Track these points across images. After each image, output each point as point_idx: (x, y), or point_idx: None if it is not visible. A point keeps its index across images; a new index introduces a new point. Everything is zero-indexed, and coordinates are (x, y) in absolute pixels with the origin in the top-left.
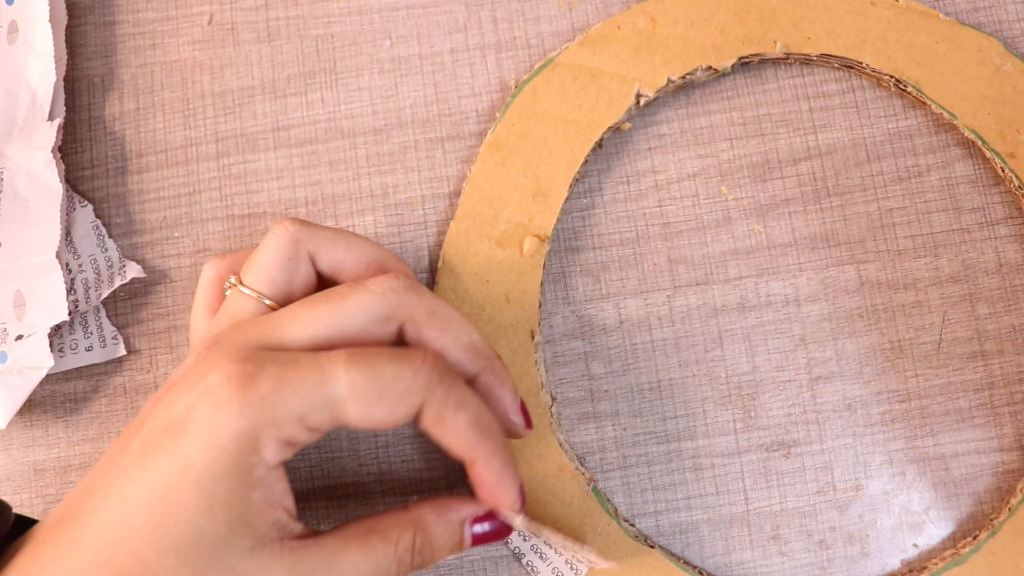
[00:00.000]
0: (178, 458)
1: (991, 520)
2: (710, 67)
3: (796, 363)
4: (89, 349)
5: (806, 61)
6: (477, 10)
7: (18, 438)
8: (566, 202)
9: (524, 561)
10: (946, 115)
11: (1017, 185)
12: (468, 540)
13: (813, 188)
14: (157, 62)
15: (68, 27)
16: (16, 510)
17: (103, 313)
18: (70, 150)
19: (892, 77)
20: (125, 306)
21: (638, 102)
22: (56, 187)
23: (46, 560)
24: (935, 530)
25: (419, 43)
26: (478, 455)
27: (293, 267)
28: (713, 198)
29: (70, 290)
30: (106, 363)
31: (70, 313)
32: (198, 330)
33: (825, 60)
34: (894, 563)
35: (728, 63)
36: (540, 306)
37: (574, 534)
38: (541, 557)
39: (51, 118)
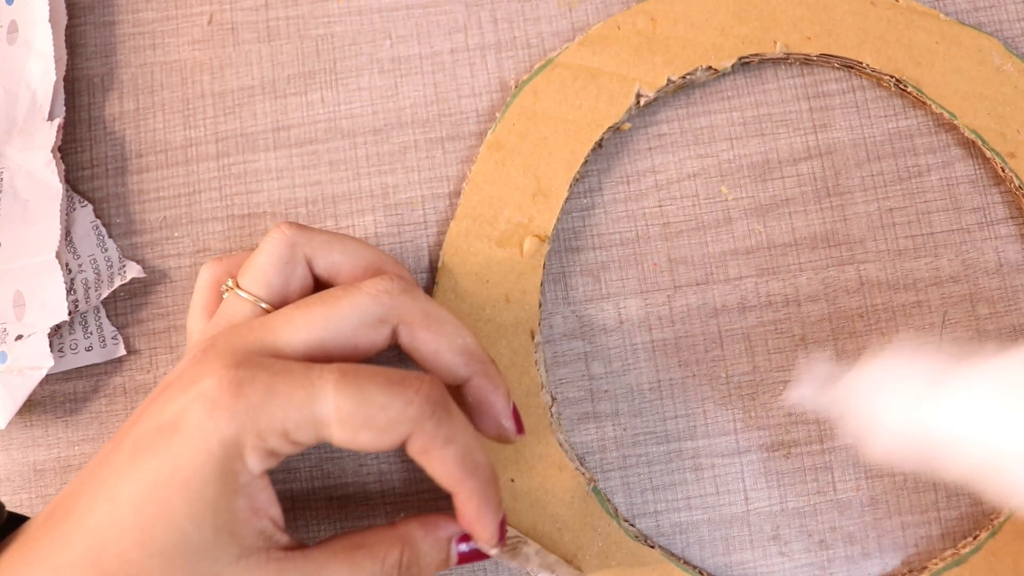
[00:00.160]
0: (168, 460)
1: (991, 520)
2: (710, 67)
3: (796, 363)
4: (89, 349)
5: (806, 61)
6: (477, 10)
7: (18, 438)
8: (566, 202)
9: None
10: (946, 115)
11: (1017, 185)
12: (455, 558)
13: (813, 188)
14: (157, 62)
15: (68, 27)
16: (16, 510)
17: (103, 313)
18: (70, 150)
19: (892, 77)
20: (125, 306)
21: (638, 102)
22: (56, 187)
23: (33, 557)
24: (935, 530)
25: (419, 43)
26: (461, 490)
27: (290, 271)
28: (713, 198)
29: (70, 290)
30: (106, 363)
31: (70, 313)
32: (194, 332)
33: (825, 60)
34: (894, 563)
35: (728, 63)
36: (540, 306)
37: (574, 534)
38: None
39: (51, 118)
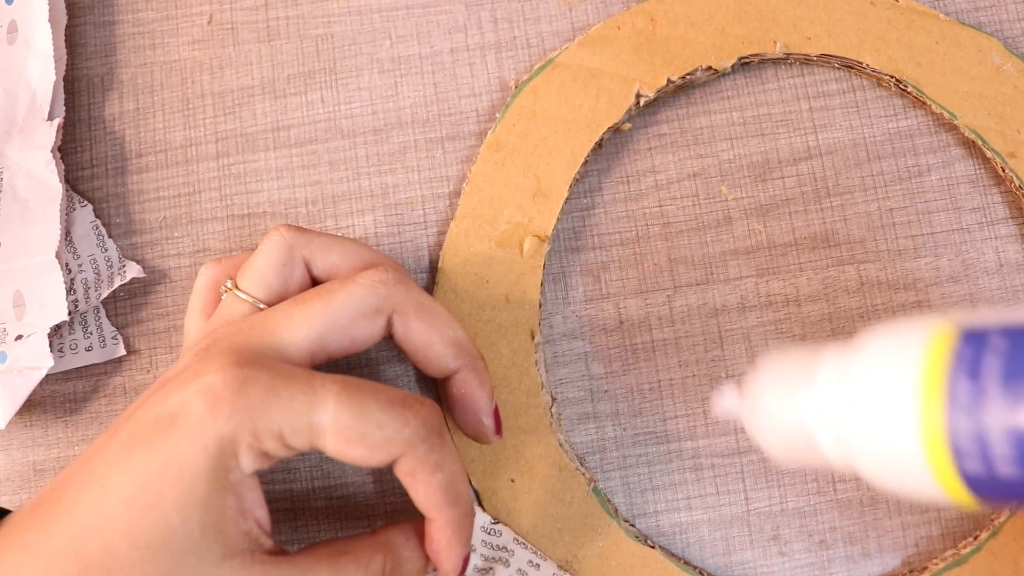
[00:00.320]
0: (163, 452)
1: (991, 520)
2: (710, 67)
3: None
4: (89, 349)
5: (806, 61)
6: (477, 10)
7: (18, 438)
8: (566, 202)
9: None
10: (946, 115)
11: (1017, 185)
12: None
13: (813, 188)
14: (157, 62)
15: (68, 27)
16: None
17: (103, 313)
18: (70, 150)
19: (892, 77)
20: (125, 306)
21: (638, 102)
22: (56, 187)
23: (16, 545)
24: (935, 530)
25: (419, 43)
26: (438, 517)
27: (288, 272)
28: (713, 198)
29: (70, 290)
30: (106, 363)
31: (70, 313)
32: (192, 332)
33: (825, 60)
34: (894, 563)
35: (728, 63)
36: (540, 306)
37: (574, 534)
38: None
39: (51, 118)
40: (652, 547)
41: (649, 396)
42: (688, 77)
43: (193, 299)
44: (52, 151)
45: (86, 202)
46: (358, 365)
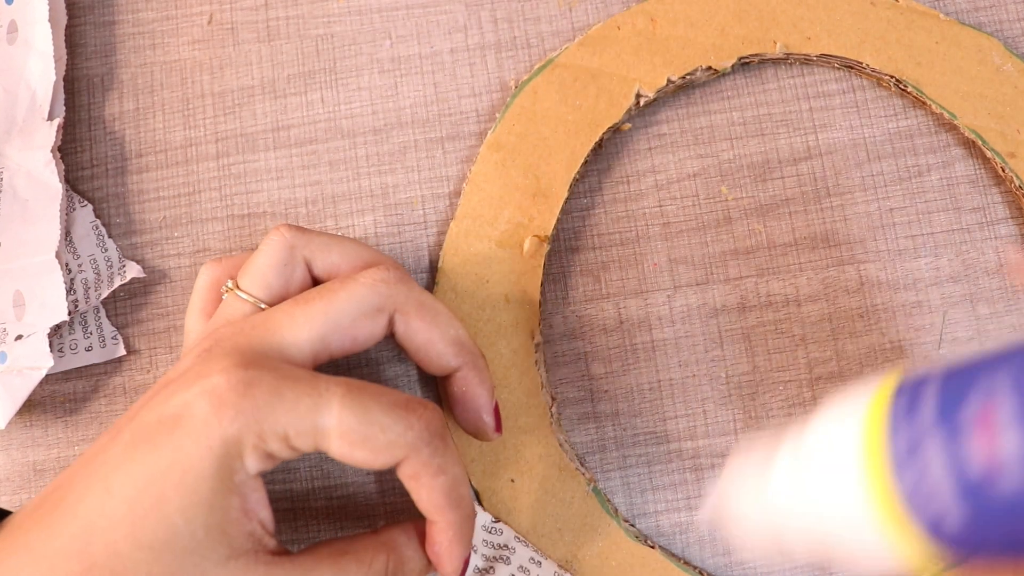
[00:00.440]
0: (167, 453)
1: None
2: (710, 67)
3: (796, 363)
4: (89, 349)
5: (806, 61)
6: (477, 10)
7: (18, 438)
8: (566, 202)
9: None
10: (946, 115)
11: (1017, 185)
12: None
13: (813, 188)
14: (157, 62)
15: (68, 27)
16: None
17: (103, 313)
18: (70, 150)
19: (892, 77)
20: (125, 306)
21: (638, 102)
22: (56, 187)
23: (19, 545)
24: None
25: (419, 43)
26: (440, 520)
27: (289, 272)
28: (713, 198)
29: (70, 290)
30: (106, 363)
31: (70, 313)
32: (192, 333)
33: (825, 60)
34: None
35: (728, 63)
36: (540, 306)
37: (574, 534)
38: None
39: (51, 118)
40: (652, 547)
41: (649, 396)
42: (688, 77)
43: (193, 299)
44: (52, 151)
45: (86, 202)
46: (359, 365)
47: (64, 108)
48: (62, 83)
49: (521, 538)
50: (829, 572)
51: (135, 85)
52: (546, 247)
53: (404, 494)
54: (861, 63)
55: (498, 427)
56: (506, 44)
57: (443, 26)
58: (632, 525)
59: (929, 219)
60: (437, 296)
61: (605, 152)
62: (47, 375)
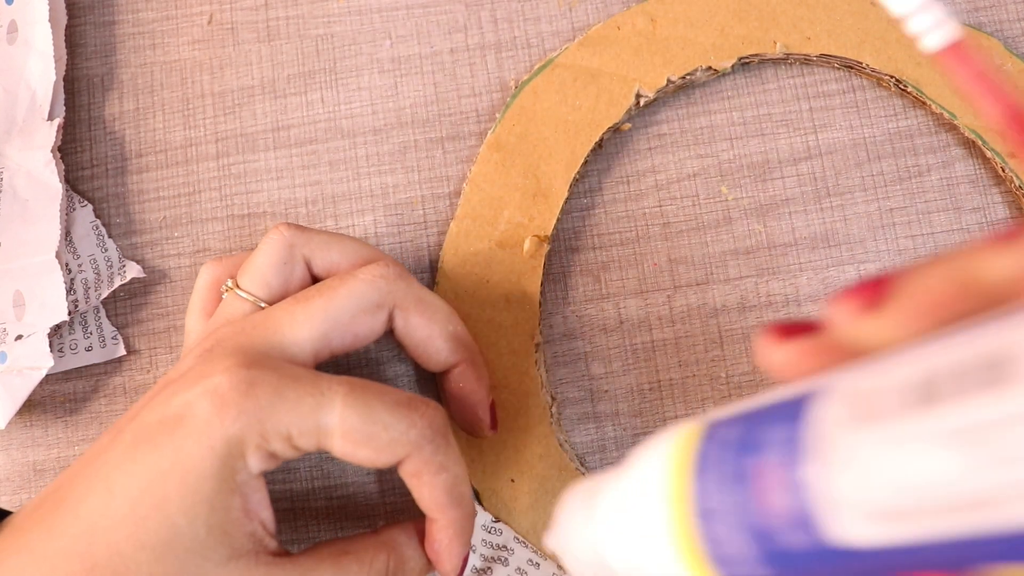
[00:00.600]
0: (169, 453)
1: None
2: (710, 67)
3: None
4: (89, 349)
5: (806, 61)
6: (477, 10)
7: (18, 438)
8: (566, 202)
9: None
10: (946, 115)
11: (1017, 185)
12: None
13: (813, 188)
14: (157, 62)
15: (68, 27)
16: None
17: (103, 313)
18: (70, 150)
19: (892, 77)
20: (125, 306)
21: (638, 102)
22: (56, 187)
23: (20, 545)
24: None
25: (419, 43)
26: (441, 518)
27: (288, 271)
28: (713, 198)
29: (70, 290)
30: (106, 363)
31: (70, 313)
32: (193, 332)
33: (825, 60)
34: None
35: (728, 63)
36: (540, 306)
37: None
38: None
39: (51, 118)
40: None
41: (649, 396)
42: (688, 77)
43: (194, 299)
44: (52, 151)
45: (86, 202)
46: (358, 365)
47: (64, 108)
48: (62, 83)
49: (521, 539)
50: None
51: (135, 85)
52: (546, 247)
53: (404, 493)
54: (861, 63)
55: (493, 424)
56: (506, 44)
57: (443, 26)
58: None
59: (929, 219)
60: (425, 288)
61: (605, 152)
62: (47, 375)
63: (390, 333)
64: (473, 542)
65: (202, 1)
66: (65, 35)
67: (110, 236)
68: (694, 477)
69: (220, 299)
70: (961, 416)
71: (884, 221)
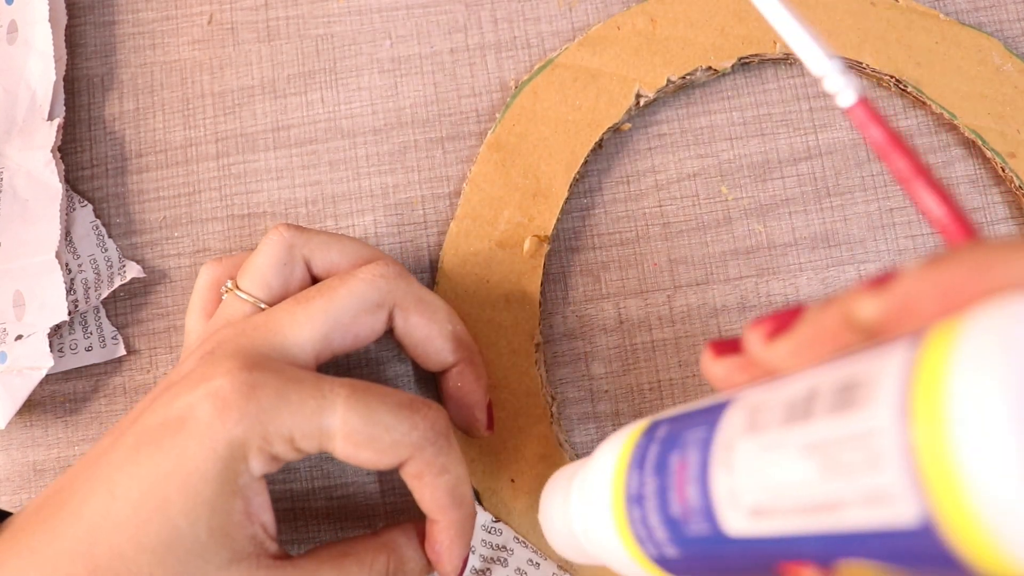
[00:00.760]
0: (171, 455)
1: None
2: (710, 67)
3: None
4: (89, 349)
5: None
6: (477, 10)
7: (18, 438)
8: (566, 202)
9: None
10: (946, 115)
11: (1017, 185)
12: None
13: (813, 188)
14: (157, 62)
15: (68, 27)
16: (16, 510)
17: (103, 313)
18: (70, 150)
19: (892, 77)
20: (125, 306)
21: (638, 102)
22: (56, 187)
23: (22, 547)
24: None
25: (419, 43)
26: (442, 519)
27: (288, 272)
28: (713, 198)
29: (70, 290)
30: (106, 363)
31: (70, 313)
32: (193, 332)
33: None
34: None
35: (728, 63)
36: (540, 306)
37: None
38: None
39: (51, 118)
40: None
41: (649, 396)
42: (688, 77)
43: (194, 299)
44: (52, 151)
45: (86, 202)
46: (358, 365)
47: (64, 108)
48: (62, 83)
49: (521, 539)
50: None
51: (135, 85)
52: (546, 247)
53: (404, 494)
54: (861, 63)
55: (490, 424)
56: (506, 44)
57: (443, 26)
58: None
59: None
60: (425, 287)
61: (605, 152)
62: (47, 375)
63: (390, 333)
64: (472, 543)
65: (202, 1)
66: (65, 35)
67: (110, 236)
68: (629, 468)
69: (220, 299)
70: (816, 432)
71: (884, 221)
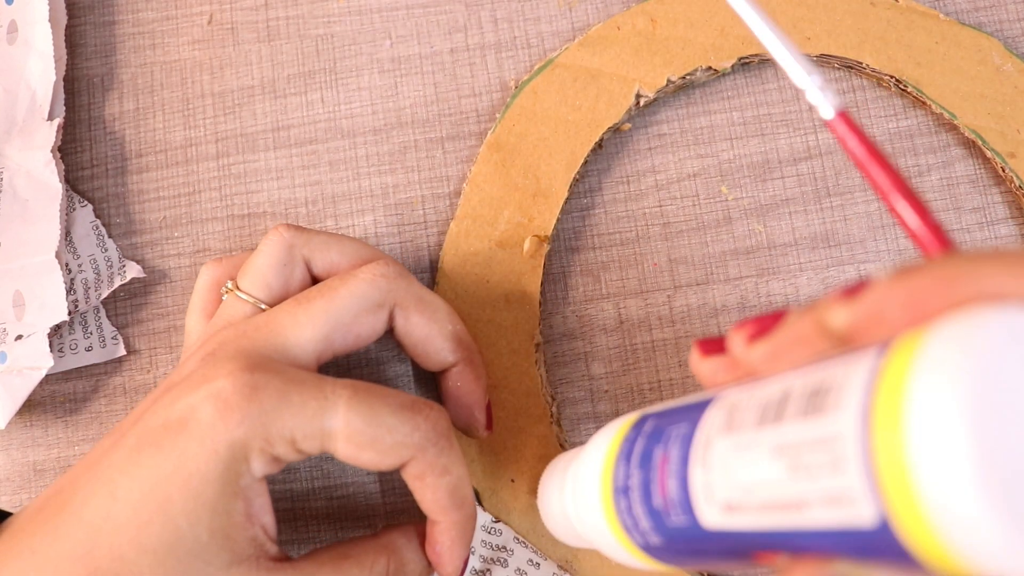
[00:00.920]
0: (172, 457)
1: None
2: (710, 67)
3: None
4: (89, 349)
5: None
6: (477, 10)
7: (18, 438)
8: (566, 202)
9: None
10: (946, 115)
11: (1017, 185)
12: None
13: (813, 188)
14: (157, 62)
15: (68, 27)
16: (16, 510)
17: (103, 313)
18: (70, 150)
19: (892, 77)
20: (125, 306)
21: (638, 102)
22: (56, 187)
23: (22, 548)
24: None
25: (419, 43)
26: (443, 520)
27: (288, 272)
28: (713, 198)
29: (70, 290)
30: (106, 363)
31: (70, 313)
32: (193, 333)
33: (825, 60)
34: None
35: (728, 63)
36: (540, 306)
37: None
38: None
39: (51, 118)
40: None
41: (649, 396)
42: (688, 77)
43: (194, 299)
44: (52, 151)
45: (86, 202)
46: (359, 365)
47: (64, 108)
48: (62, 83)
49: (521, 539)
50: None
51: (135, 85)
52: (546, 247)
53: (404, 494)
54: (861, 63)
55: (489, 425)
56: (506, 44)
57: (443, 26)
58: None
59: None
60: (425, 287)
61: (605, 152)
62: (47, 375)
63: (390, 333)
64: (472, 543)
65: (202, 1)
66: (65, 35)
67: (110, 236)
68: (617, 460)
69: (220, 300)
70: (786, 435)
71: (884, 221)
